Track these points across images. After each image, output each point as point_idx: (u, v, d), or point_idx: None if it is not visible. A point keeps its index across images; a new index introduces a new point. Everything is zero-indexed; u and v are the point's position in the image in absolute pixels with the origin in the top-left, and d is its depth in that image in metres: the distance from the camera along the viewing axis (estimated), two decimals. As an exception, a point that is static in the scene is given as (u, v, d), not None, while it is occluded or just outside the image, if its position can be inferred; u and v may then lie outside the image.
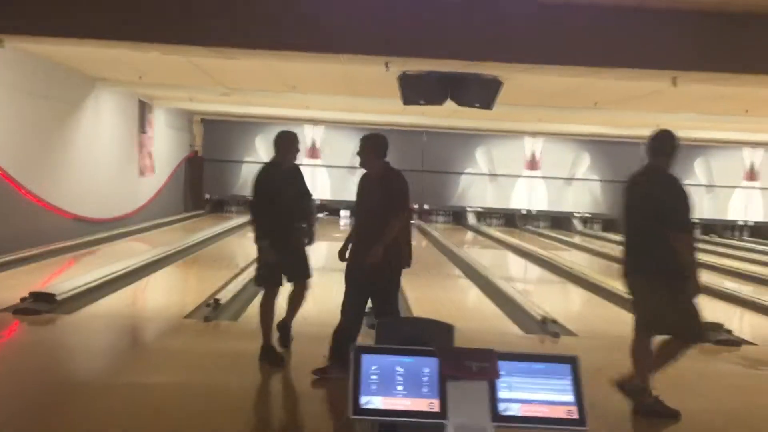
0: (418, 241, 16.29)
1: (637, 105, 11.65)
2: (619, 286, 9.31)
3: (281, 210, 5.18)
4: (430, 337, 4.00)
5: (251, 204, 5.43)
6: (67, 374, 5.12)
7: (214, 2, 6.39)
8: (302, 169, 5.68)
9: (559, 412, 1.91)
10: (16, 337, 6.15)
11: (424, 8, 6.28)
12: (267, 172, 5.29)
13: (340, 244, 5.07)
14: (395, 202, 4.81)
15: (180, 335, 6.21)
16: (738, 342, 6.76)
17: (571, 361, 2.01)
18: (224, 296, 7.32)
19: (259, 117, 18.28)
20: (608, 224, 20.35)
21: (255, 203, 5.32)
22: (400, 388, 1.95)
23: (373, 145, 4.93)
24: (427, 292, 8.82)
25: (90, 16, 6.36)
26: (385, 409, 1.91)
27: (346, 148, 19.58)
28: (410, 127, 18.65)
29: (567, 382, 1.97)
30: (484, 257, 12.69)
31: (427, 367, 2.00)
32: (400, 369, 1.98)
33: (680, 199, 4.32)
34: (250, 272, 9.05)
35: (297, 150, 5.41)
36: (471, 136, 19.53)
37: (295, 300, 5.47)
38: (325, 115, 16.55)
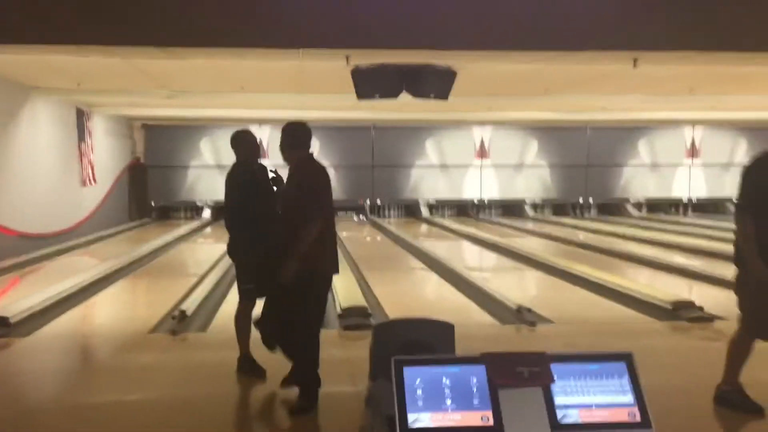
0: (372, 236, 16.16)
1: (586, 88, 11.70)
2: (580, 269, 9.50)
3: (264, 214, 4.64)
4: (431, 338, 3.82)
5: (230, 210, 4.78)
6: (31, 399, 4.77)
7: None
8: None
9: (621, 415, 1.78)
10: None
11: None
12: (242, 172, 4.75)
13: None
14: (301, 202, 4.17)
15: (148, 351, 5.90)
16: (710, 318, 6.83)
17: (627, 358, 1.87)
18: (189, 307, 7.01)
19: (204, 120, 17.81)
20: (558, 209, 20.61)
21: (234, 209, 4.72)
22: (449, 402, 1.78)
23: (286, 136, 4.43)
24: (394, 287, 8.67)
25: (25, 20, 5.97)
26: (435, 426, 1.74)
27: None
28: (360, 122, 18.47)
29: (625, 382, 1.83)
30: (440, 249, 12.60)
31: (475, 376, 1.83)
32: (446, 380, 1.81)
33: None
34: (212, 280, 8.79)
35: (258, 148, 4.98)
36: (420, 128, 19.47)
37: None
38: (273, 114, 16.19)
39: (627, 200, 20.63)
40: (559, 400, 1.80)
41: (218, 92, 12.00)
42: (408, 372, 1.82)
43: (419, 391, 1.79)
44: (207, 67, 9.29)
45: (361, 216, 19.62)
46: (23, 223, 11.44)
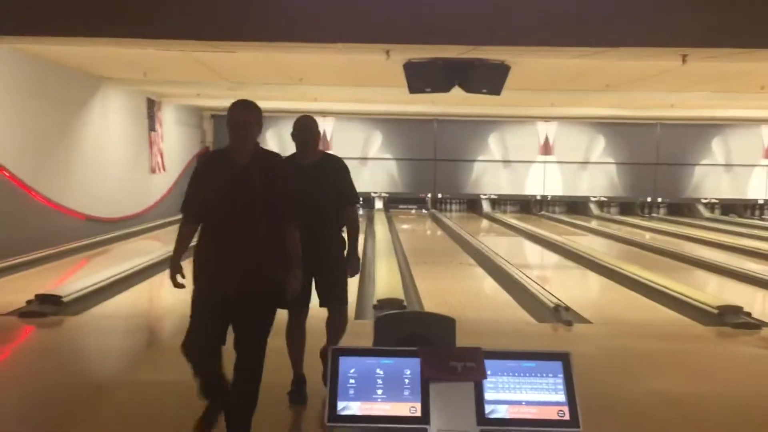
0: (433, 230, 16.19)
1: (649, 85, 11.40)
2: (632, 270, 9.29)
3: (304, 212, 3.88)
4: (431, 332, 3.87)
5: None
6: (75, 374, 5.02)
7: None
8: None
9: (550, 413, 1.79)
10: (22, 339, 6.11)
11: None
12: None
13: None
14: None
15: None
16: (758, 325, 6.59)
17: (563, 357, 1.88)
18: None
19: (269, 111, 18.15)
20: (625, 207, 20.11)
21: None
22: (380, 392, 1.84)
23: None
24: (438, 282, 8.70)
25: (85, 14, 6.27)
26: (363, 415, 1.80)
27: (357, 139, 19.50)
28: (420, 116, 18.50)
29: (558, 381, 1.84)
30: (499, 245, 12.53)
31: (409, 368, 1.89)
32: (380, 371, 1.87)
33: None
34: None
35: (311, 137, 4.19)
36: (483, 122, 19.34)
37: (331, 329, 4.38)
38: (333, 107, 16.41)
39: (698, 200, 19.94)
40: (489, 395, 1.83)
41: (278, 84, 12.26)
42: (343, 361, 1.89)
43: (352, 380, 1.86)
44: (264, 60, 9.53)
45: (422, 209, 19.69)
46: (92, 208, 12.01)
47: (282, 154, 3.74)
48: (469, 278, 9.64)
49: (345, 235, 4.41)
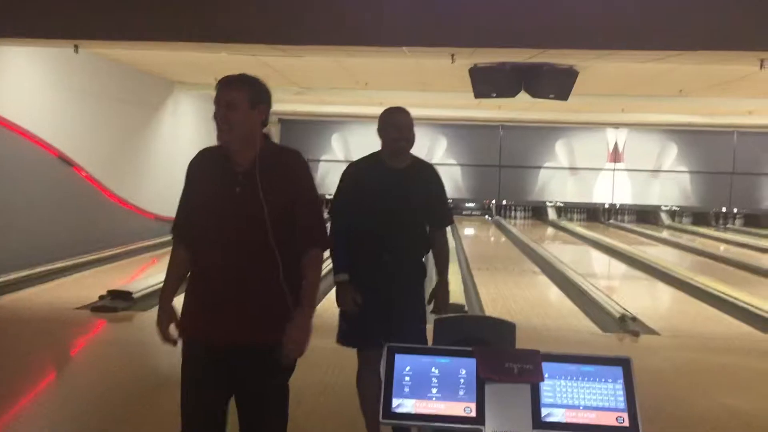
0: (496, 237, 16.03)
1: (726, 91, 11.01)
2: (704, 281, 8.97)
3: (372, 227, 3.27)
4: (491, 336, 3.84)
5: (330, 213, 3.40)
6: (148, 368, 5.17)
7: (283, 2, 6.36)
8: None
9: (609, 419, 1.74)
10: (95, 333, 6.34)
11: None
12: (358, 166, 3.39)
13: None
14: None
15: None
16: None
17: (623, 363, 1.83)
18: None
19: (335, 115, 18.38)
20: (698, 217, 19.48)
21: (334, 213, 3.39)
22: (434, 390, 1.83)
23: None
24: (501, 289, 8.61)
25: (159, 19, 6.46)
26: (417, 413, 1.80)
27: (421, 145, 19.48)
28: (488, 121, 18.36)
29: (618, 387, 1.79)
30: (564, 253, 12.31)
31: (465, 368, 1.87)
32: (435, 370, 1.86)
33: None
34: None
35: (405, 136, 3.26)
36: (549, 128, 19.06)
37: None
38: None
39: (777, 211, 19.15)
40: (546, 398, 1.80)
41: (343, 88, 12.38)
42: (399, 359, 1.88)
43: (407, 378, 1.85)
44: (331, 64, 9.63)
45: (486, 216, 19.53)
46: (161, 208, 12.38)
47: (347, 158, 3.04)
48: (533, 286, 9.50)
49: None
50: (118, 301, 6.77)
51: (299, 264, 2.40)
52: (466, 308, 6.83)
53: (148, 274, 8.59)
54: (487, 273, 9.81)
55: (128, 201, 11.20)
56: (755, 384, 5.16)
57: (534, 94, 9.45)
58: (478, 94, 9.45)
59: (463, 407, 1.79)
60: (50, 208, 9.05)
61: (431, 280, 3.51)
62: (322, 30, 6.12)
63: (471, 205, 19.51)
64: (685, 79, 10.04)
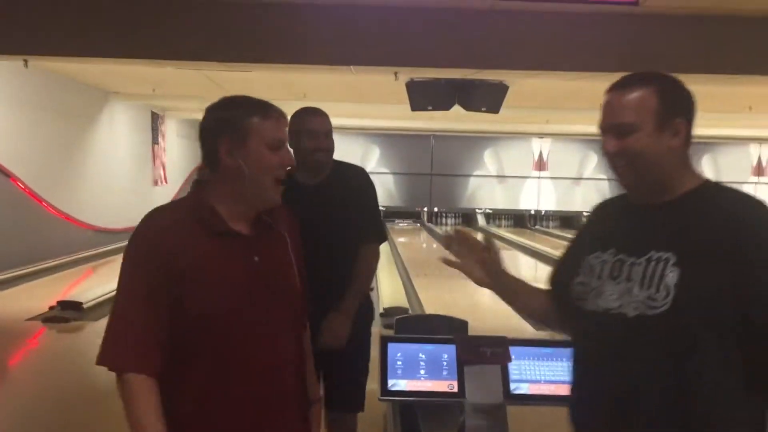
0: (428, 243, 16.54)
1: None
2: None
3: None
4: (446, 333, 4.28)
5: None
6: (100, 378, 5.33)
7: (229, 21, 6.65)
8: None
9: (564, 390, 2.15)
10: (48, 344, 6.42)
11: (431, 23, 6.53)
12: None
13: None
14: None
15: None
16: None
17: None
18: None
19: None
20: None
21: None
22: (422, 372, 2.20)
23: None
24: (438, 292, 9.04)
25: (108, 37, 6.63)
26: (409, 390, 2.16)
27: (354, 153, 19.87)
28: (419, 131, 18.92)
29: (570, 365, 2.20)
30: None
31: (446, 353, 2.25)
32: (422, 355, 2.23)
33: None
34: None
35: (318, 145, 2.91)
36: (479, 138, 19.77)
37: None
38: (334, 122, 16.74)
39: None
40: (514, 375, 2.20)
41: (281, 100, 12.61)
42: (391, 347, 2.25)
43: (399, 362, 2.22)
44: (269, 78, 9.89)
45: (417, 223, 20.07)
46: (98, 219, 12.34)
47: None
48: (466, 288, 9.95)
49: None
50: (68, 312, 6.86)
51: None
52: (410, 311, 7.22)
53: (89, 286, 8.64)
54: (425, 278, 10.24)
55: (65, 212, 11.14)
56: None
57: (467, 107, 9.94)
58: (415, 107, 9.88)
59: (447, 384, 2.17)
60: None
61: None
62: (271, 49, 6.45)
63: (403, 224, 19.89)
64: (602, 94, 10.75)
